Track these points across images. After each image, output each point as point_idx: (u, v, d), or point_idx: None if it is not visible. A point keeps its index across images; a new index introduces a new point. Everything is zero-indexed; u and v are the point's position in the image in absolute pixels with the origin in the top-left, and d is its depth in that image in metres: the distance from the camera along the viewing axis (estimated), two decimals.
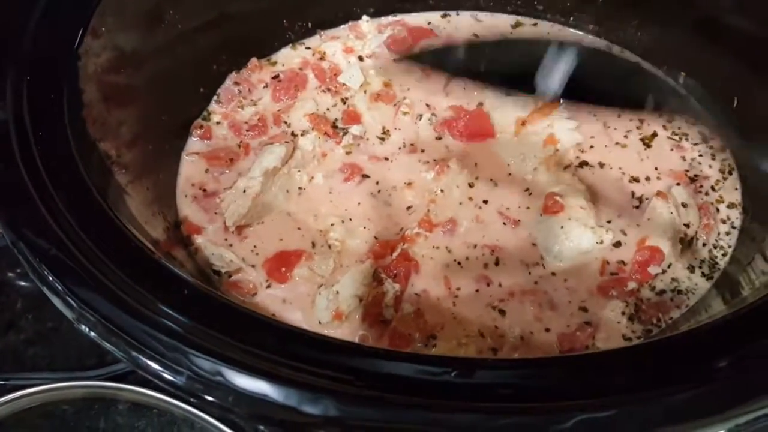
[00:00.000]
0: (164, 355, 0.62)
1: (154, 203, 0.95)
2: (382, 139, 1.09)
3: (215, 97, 1.13)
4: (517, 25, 1.22)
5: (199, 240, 0.98)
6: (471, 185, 1.03)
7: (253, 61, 1.16)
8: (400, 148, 1.07)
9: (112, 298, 0.65)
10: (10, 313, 1.10)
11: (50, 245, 0.68)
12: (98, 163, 0.83)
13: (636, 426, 0.56)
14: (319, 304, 0.92)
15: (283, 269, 0.96)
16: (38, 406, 0.96)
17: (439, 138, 1.08)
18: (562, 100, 1.05)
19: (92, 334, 0.65)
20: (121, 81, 0.92)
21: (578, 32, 1.20)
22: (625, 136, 1.08)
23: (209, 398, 0.60)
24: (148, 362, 0.62)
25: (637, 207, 1.00)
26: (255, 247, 0.98)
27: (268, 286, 0.95)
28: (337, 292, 0.91)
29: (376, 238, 0.98)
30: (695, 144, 1.07)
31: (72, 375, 1.01)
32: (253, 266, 0.96)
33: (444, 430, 0.57)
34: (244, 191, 0.98)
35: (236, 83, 1.14)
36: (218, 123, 1.11)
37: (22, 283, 1.11)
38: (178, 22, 1.02)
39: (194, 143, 1.08)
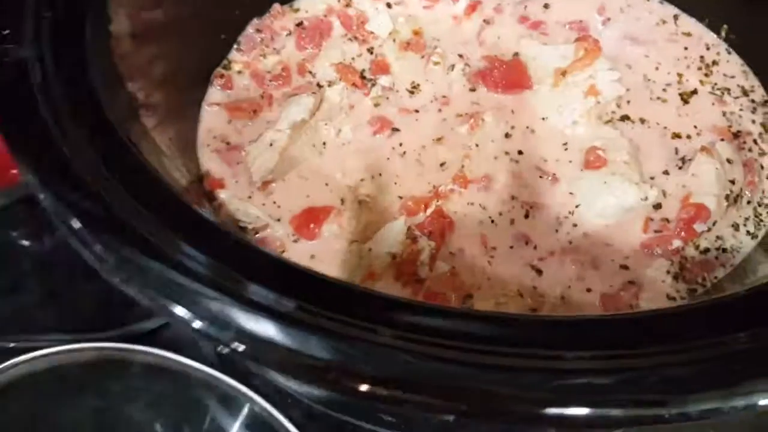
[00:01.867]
0: (188, 301, 0.57)
1: (175, 155, 0.90)
2: (412, 92, 1.03)
3: (236, 45, 1.07)
4: None
5: (222, 195, 0.93)
6: (507, 136, 0.98)
7: (276, 6, 1.09)
8: (431, 101, 1.02)
9: (142, 245, 0.60)
10: (16, 274, 1.06)
11: (77, 191, 0.63)
12: (124, 102, 0.78)
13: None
14: (350, 262, 0.88)
15: (312, 225, 0.91)
16: (49, 368, 0.93)
17: (472, 90, 1.03)
18: (602, 48, 0.99)
19: (122, 284, 0.60)
20: (144, 21, 0.86)
21: None
22: (664, 90, 1.03)
23: (237, 345, 0.56)
24: (173, 309, 0.58)
25: (680, 165, 0.96)
26: (282, 202, 0.94)
27: (296, 241, 0.91)
28: (370, 250, 0.87)
29: (407, 194, 0.94)
30: (736, 98, 1.03)
31: (83, 336, 0.97)
32: (279, 222, 0.92)
33: (476, 384, 0.53)
34: (271, 144, 0.93)
35: (258, 30, 1.07)
36: (239, 72, 1.05)
37: (26, 243, 1.07)
38: None
39: (215, 93, 1.03)
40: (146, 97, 0.82)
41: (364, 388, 0.52)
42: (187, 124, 0.98)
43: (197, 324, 0.56)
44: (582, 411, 0.51)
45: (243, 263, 0.60)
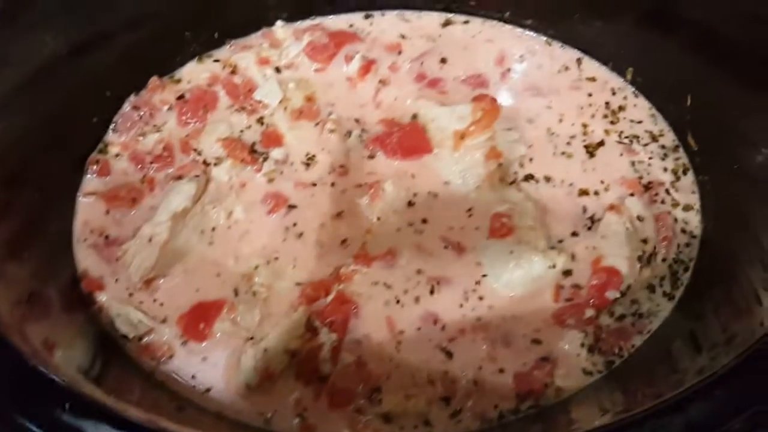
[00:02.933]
0: None
1: (44, 262, 0.82)
2: (308, 163, 0.97)
3: (112, 126, 0.99)
4: (447, 23, 1.11)
5: (102, 297, 0.86)
6: (410, 205, 0.93)
7: (154, 80, 1.02)
8: (329, 172, 0.96)
9: None
10: None
11: None
12: None
13: None
14: (246, 364, 0.81)
15: (202, 325, 0.84)
16: None
17: (371, 157, 0.97)
18: (502, 106, 0.95)
19: None
20: None
21: (515, 28, 1.09)
22: (569, 143, 0.99)
23: None
24: None
25: (589, 225, 0.91)
26: (169, 299, 0.86)
27: (184, 344, 0.83)
28: (266, 350, 0.81)
29: (306, 279, 0.87)
30: (645, 144, 0.99)
31: None
32: (165, 323, 0.84)
33: None
34: (150, 240, 0.85)
35: (135, 107, 0.99)
36: (117, 155, 0.97)
37: None
38: (60, 47, 0.87)
39: (91, 181, 0.95)
40: None
41: None
42: (61, 220, 0.90)
43: None
44: None
45: None
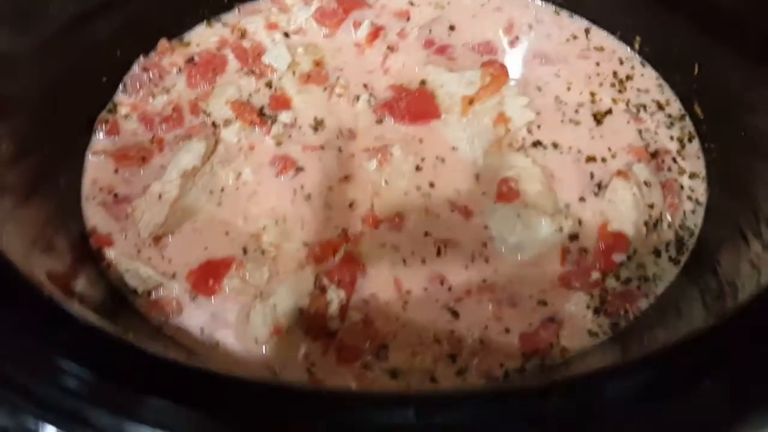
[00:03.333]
0: (57, 414, 0.51)
1: (55, 216, 0.82)
2: (316, 127, 0.97)
3: (121, 87, 0.99)
4: None
5: (110, 253, 0.86)
6: (418, 169, 0.93)
7: (163, 42, 1.01)
8: (337, 137, 0.96)
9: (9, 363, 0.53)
10: None
11: None
12: None
13: None
14: (255, 319, 0.81)
15: (211, 281, 0.84)
16: None
17: (379, 121, 0.97)
18: (510, 73, 0.95)
19: None
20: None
21: None
22: (577, 111, 0.99)
23: None
24: (40, 424, 0.51)
25: (596, 191, 0.92)
26: (178, 257, 0.86)
27: (194, 299, 0.84)
28: (275, 305, 0.81)
29: (314, 239, 0.88)
30: (652, 113, 1.00)
31: None
32: (175, 278, 0.85)
33: None
34: (160, 197, 0.86)
35: (145, 69, 0.99)
36: (126, 116, 0.97)
37: None
38: (68, 5, 0.87)
39: (100, 141, 0.95)
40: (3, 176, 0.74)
41: None
42: (70, 177, 0.90)
43: None
44: None
45: (133, 372, 0.53)
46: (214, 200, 0.90)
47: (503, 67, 0.94)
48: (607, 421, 0.52)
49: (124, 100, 0.98)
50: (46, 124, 0.85)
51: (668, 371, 0.54)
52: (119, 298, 0.84)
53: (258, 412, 0.51)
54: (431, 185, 0.92)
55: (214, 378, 0.55)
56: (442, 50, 1.04)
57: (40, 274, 0.64)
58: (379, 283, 0.85)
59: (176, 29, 1.04)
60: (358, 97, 0.99)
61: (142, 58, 1.00)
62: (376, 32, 1.04)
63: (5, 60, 0.80)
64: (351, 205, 0.91)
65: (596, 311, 0.84)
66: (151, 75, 0.99)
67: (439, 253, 0.87)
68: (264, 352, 0.81)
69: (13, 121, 0.80)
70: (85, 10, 0.89)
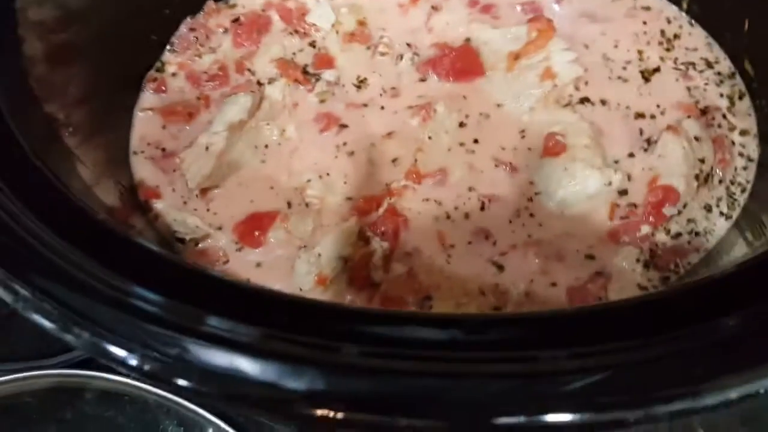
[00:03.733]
0: (125, 336, 0.51)
1: (106, 167, 0.84)
2: (359, 86, 0.97)
3: (169, 46, 1.00)
4: None
5: (158, 205, 0.87)
6: (461, 126, 0.92)
7: (210, 3, 1.03)
8: (380, 94, 0.96)
9: (61, 277, 0.54)
10: None
11: None
12: (41, 125, 0.73)
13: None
14: (299, 268, 0.82)
15: (257, 233, 0.85)
16: (1, 398, 0.88)
17: (422, 80, 0.97)
18: (557, 31, 0.94)
19: (42, 321, 0.54)
20: (62, 30, 0.81)
21: None
22: (624, 68, 0.98)
23: (181, 382, 0.50)
24: (108, 346, 0.52)
25: (646, 147, 0.90)
26: (224, 209, 0.87)
27: (239, 250, 0.85)
28: (319, 255, 0.81)
29: (358, 194, 0.88)
30: (701, 71, 0.98)
31: (34, 364, 0.92)
32: (221, 230, 0.86)
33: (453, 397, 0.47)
34: (207, 149, 0.87)
35: (192, 29, 1.01)
36: (174, 74, 0.98)
37: None
38: None
39: (148, 97, 0.96)
40: (67, 116, 0.77)
41: (341, 416, 0.46)
42: (119, 132, 0.92)
43: (151, 367, 0.50)
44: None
45: (194, 292, 0.54)
46: (259, 156, 0.91)
47: (550, 22, 0.93)
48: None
49: (171, 59, 0.99)
50: (100, 76, 0.87)
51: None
52: (167, 248, 0.85)
53: (317, 328, 0.51)
54: (475, 141, 0.91)
55: (274, 297, 0.55)
56: (486, 9, 1.03)
57: (100, 206, 0.66)
58: (423, 236, 0.85)
59: None
60: (401, 56, 0.99)
61: (189, 18, 1.02)
62: None
63: (72, 10, 0.83)
64: (394, 161, 0.90)
65: (646, 265, 0.82)
66: (197, 35, 1.00)
67: (483, 207, 0.87)
68: None
69: (76, 67, 0.83)
70: None
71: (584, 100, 0.94)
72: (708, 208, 0.86)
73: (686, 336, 0.50)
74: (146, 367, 0.51)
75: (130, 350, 0.51)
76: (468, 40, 0.99)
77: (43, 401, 0.90)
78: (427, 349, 0.49)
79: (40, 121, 0.73)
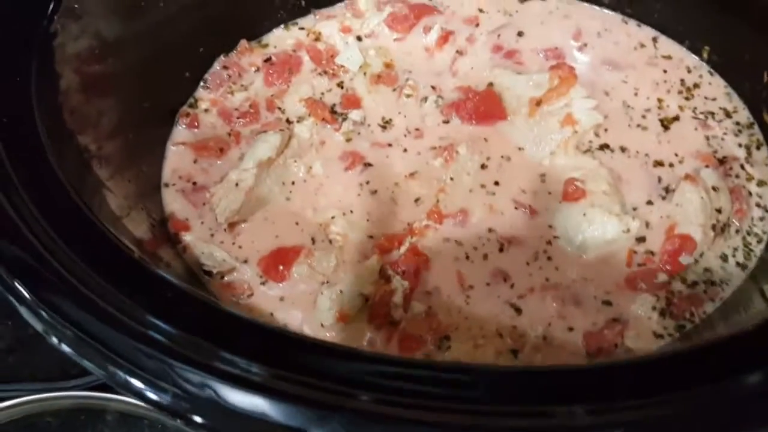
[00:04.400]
0: (145, 369, 0.54)
1: (137, 198, 0.87)
2: (384, 126, 1.00)
3: (202, 83, 1.04)
4: None
5: (187, 237, 0.90)
6: (483, 167, 0.95)
7: (243, 43, 1.07)
8: (404, 135, 0.99)
9: (86, 306, 0.57)
10: None
11: (16, 248, 0.60)
12: (74, 156, 0.76)
13: None
14: (321, 304, 0.84)
15: (281, 267, 0.87)
16: (20, 419, 0.90)
17: (446, 121, 1.00)
18: (578, 77, 0.96)
19: (64, 347, 0.57)
20: (98, 63, 0.84)
21: (592, 6, 1.11)
22: (644, 116, 1.00)
23: (198, 419, 0.52)
24: (128, 378, 0.54)
25: (664, 195, 0.92)
26: (250, 243, 0.90)
27: (264, 283, 0.87)
28: (341, 291, 0.84)
29: (380, 232, 0.90)
30: (720, 121, 1.00)
31: (56, 385, 0.94)
32: (246, 263, 0.88)
33: None
34: (237, 185, 0.89)
35: (225, 67, 1.05)
36: (206, 110, 1.02)
37: None
38: (161, 1, 0.93)
39: (180, 132, 1.00)
40: (100, 148, 0.80)
41: None
42: (151, 164, 0.95)
43: (162, 398, 0.53)
44: None
45: (205, 326, 0.57)
46: (286, 191, 0.94)
47: (572, 70, 0.95)
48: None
49: (204, 95, 1.03)
50: (134, 110, 0.91)
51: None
52: (194, 280, 0.88)
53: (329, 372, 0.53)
54: (496, 183, 0.94)
55: (288, 337, 0.57)
56: (510, 55, 1.06)
57: (129, 242, 0.69)
58: (442, 276, 0.87)
59: (256, 31, 1.09)
60: (426, 98, 1.02)
61: (222, 57, 1.06)
62: (445, 37, 1.08)
63: (115, 36, 0.87)
64: (416, 200, 0.93)
65: (662, 313, 0.83)
66: (230, 73, 1.04)
67: (501, 249, 0.89)
68: (330, 337, 0.83)
69: (112, 99, 0.86)
70: (174, 7, 0.95)
71: (604, 147, 0.96)
72: (724, 258, 0.87)
73: (703, 394, 0.51)
74: (165, 401, 0.53)
75: (147, 383, 0.53)
76: (491, 84, 1.02)
77: (65, 422, 0.91)
78: (445, 401, 0.51)
79: (73, 152, 0.76)
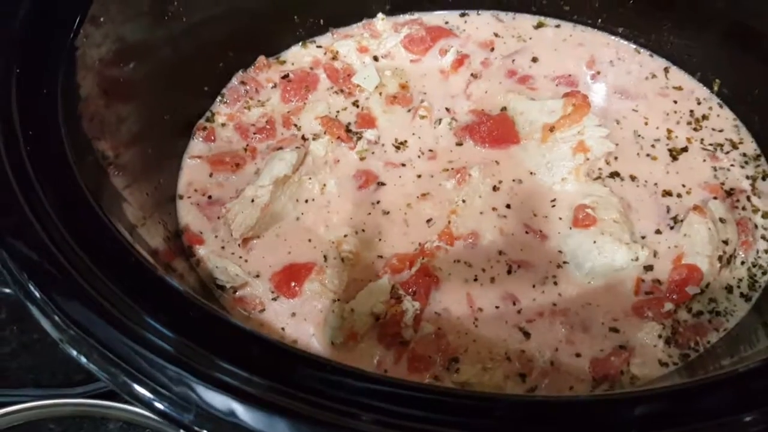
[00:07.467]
0: (163, 385, 0.55)
1: (153, 209, 0.88)
2: (398, 146, 1.02)
3: (220, 97, 1.06)
4: (540, 25, 1.15)
5: (201, 251, 0.91)
6: (495, 190, 0.96)
7: (261, 59, 1.08)
8: (418, 156, 1.01)
9: (103, 316, 0.58)
10: None
11: (36, 254, 0.61)
12: (94, 164, 0.77)
13: None
14: (332, 322, 0.85)
15: (293, 283, 0.88)
16: (22, 424, 0.91)
17: (459, 144, 1.02)
18: (592, 104, 0.98)
19: (80, 357, 0.58)
20: (121, 75, 0.85)
21: (606, 34, 1.13)
22: (653, 146, 1.02)
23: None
24: (141, 390, 0.55)
25: (672, 225, 0.93)
26: (262, 259, 0.91)
27: (275, 299, 0.88)
28: (352, 310, 0.85)
29: (392, 251, 0.91)
30: (727, 152, 1.01)
31: (59, 392, 0.95)
32: (259, 278, 0.89)
33: None
34: (253, 201, 0.91)
35: (243, 82, 1.06)
36: (223, 124, 1.03)
37: (6, 291, 1.03)
38: (183, 15, 0.95)
39: (197, 145, 1.01)
40: (117, 157, 0.81)
41: None
42: (167, 177, 0.96)
43: (158, 404, 0.54)
44: None
45: (210, 337, 0.57)
46: (299, 209, 0.95)
47: (585, 98, 0.97)
48: None
49: (221, 110, 1.05)
50: (152, 121, 0.92)
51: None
52: (206, 293, 0.88)
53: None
54: (507, 206, 0.95)
55: (286, 351, 0.58)
56: (523, 80, 1.08)
57: (145, 249, 0.70)
58: (452, 297, 0.88)
59: (274, 48, 1.11)
60: (440, 120, 1.03)
61: (241, 72, 1.07)
62: (461, 60, 1.09)
63: (138, 48, 0.89)
64: (428, 221, 0.94)
65: (667, 341, 0.85)
66: (248, 88, 1.06)
67: (510, 271, 0.90)
68: (339, 354, 0.84)
69: (133, 106, 0.87)
70: (195, 22, 0.97)
71: (614, 175, 0.98)
72: (729, 289, 0.89)
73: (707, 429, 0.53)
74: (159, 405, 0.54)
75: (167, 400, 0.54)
76: (504, 108, 1.03)
77: (66, 429, 0.92)
78: (444, 427, 0.52)
79: (91, 159, 0.77)
